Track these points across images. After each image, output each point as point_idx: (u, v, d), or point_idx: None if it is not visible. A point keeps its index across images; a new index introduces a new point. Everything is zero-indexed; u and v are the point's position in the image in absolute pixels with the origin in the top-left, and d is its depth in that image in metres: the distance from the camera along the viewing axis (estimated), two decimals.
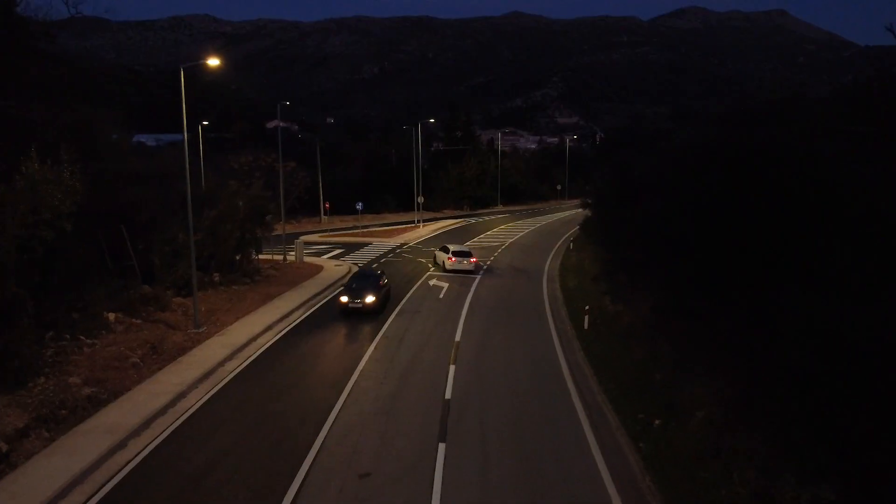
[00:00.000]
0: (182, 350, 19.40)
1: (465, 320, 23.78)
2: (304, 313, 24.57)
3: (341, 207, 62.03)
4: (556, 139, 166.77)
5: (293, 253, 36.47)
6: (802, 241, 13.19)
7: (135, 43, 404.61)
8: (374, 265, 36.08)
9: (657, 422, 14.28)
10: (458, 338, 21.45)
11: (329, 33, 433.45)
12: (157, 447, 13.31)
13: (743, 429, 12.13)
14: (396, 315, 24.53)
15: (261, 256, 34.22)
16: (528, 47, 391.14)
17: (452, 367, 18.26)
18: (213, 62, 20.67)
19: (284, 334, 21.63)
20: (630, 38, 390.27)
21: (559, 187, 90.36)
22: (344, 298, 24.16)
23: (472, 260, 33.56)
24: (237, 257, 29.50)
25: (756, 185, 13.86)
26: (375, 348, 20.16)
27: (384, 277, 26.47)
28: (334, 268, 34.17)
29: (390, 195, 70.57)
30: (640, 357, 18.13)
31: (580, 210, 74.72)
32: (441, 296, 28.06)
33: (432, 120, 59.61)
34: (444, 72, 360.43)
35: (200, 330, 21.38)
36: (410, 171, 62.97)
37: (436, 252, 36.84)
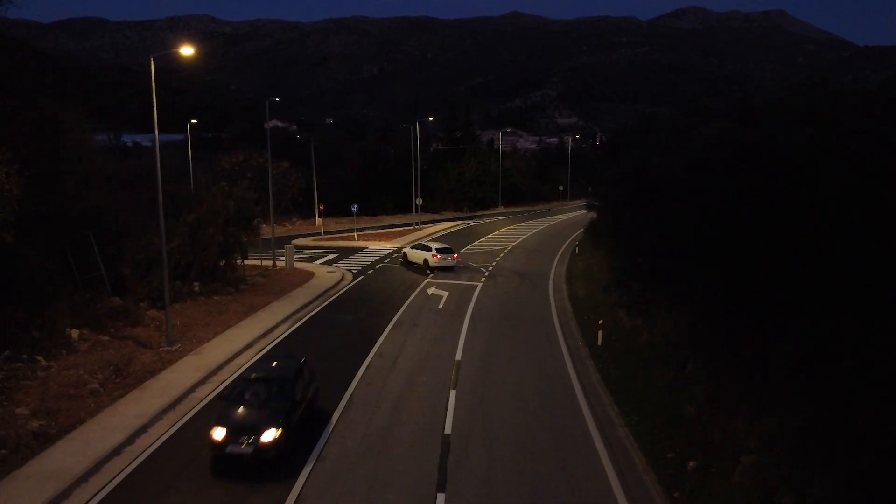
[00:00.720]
0: (150, 372, 17.34)
1: (467, 335, 21.72)
2: (289, 327, 22.48)
3: (338, 209, 59.93)
4: (555, 139, 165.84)
5: (283, 258, 34.38)
6: (869, 252, 11.12)
7: (133, 43, 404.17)
8: (363, 275, 34.04)
9: (692, 464, 12.24)
10: (458, 356, 19.40)
11: (328, 33, 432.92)
12: (104, 498, 11.26)
13: (803, 484, 10.08)
14: (392, 328, 22.46)
15: (248, 262, 32.21)
16: (528, 47, 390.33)
17: (453, 393, 16.21)
18: (187, 51, 18.62)
19: (265, 353, 19.54)
20: (629, 39, 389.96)
21: (561, 188, 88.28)
22: (218, 434, 11.95)
23: (455, 256, 34.73)
24: (221, 264, 27.43)
25: (810, 186, 11.80)
26: (368, 368, 18.10)
27: (306, 373, 14.31)
28: (326, 274, 32.08)
29: (388, 196, 68.49)
30: (664, 382, 16.08)
31: (584, 212, 72.78)
32: (440, 306, 25.99)
33: (431, 118, 57.50)
34: (444, 72, 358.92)
35: (173, 348, 19.33)
36: (409, 172, 60.94)
37: (406, 250, 36.66)
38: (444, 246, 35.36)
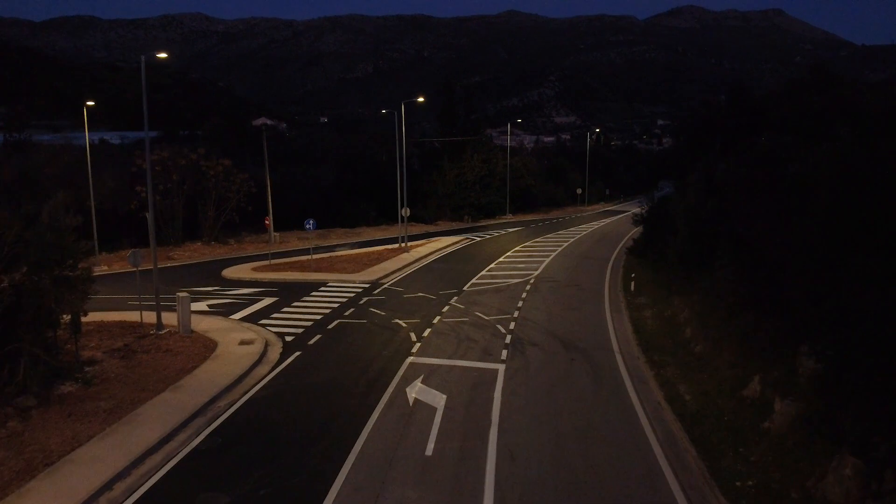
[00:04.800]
0: None
1: None
2: None
3: (310, 219, 46.86)
4: (552, 138, 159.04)
5: (177, 311, 21.14)
6: None
7: (126, 41, 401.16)
8: (302, 346, 20.91)
9: None
10: None
11: (323, 32, 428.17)
12: None
13: None
14: None
15: (127, 318, 19.38)
16: (525, 46, 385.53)
17: None
18: None
19: None
20: (626, 38, 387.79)
21: (580, 191, 75.23)
22: None
23: None
24: (16, 347, 14.31)
25: None
26: None
27: None
28: (237, 349, 18.87)
29: (371, 203, 55.41)
30: None
31: (611, 220, 59.97)
32: (429, 448, 12.77)
33: (421, 99, 44.69)
34: (440, 71, 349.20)
35: None
36: (398, 174, 47.97)
37: None
38: None
